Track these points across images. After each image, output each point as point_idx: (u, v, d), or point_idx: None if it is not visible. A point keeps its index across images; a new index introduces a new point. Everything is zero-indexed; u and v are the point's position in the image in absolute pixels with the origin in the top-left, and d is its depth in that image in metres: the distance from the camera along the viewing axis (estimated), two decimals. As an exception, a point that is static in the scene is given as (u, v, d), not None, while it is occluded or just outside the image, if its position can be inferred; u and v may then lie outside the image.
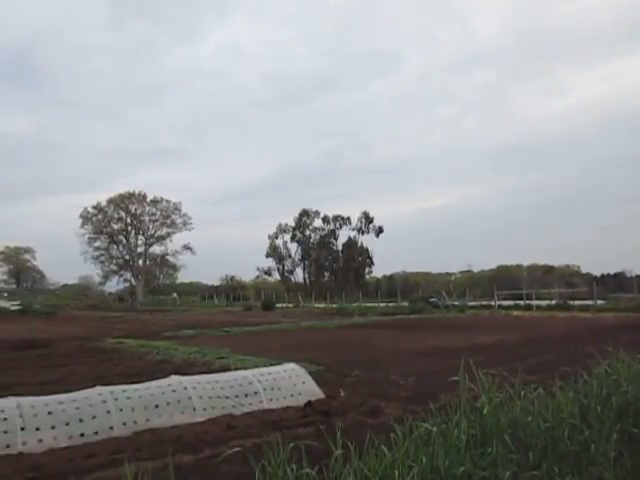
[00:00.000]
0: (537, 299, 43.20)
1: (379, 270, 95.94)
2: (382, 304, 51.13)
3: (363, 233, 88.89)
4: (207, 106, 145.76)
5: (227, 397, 6.82)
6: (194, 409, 6.41)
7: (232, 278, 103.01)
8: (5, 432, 5.24)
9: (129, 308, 64.77)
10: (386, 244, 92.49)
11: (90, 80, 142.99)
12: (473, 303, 45.27)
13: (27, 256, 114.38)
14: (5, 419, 5.33)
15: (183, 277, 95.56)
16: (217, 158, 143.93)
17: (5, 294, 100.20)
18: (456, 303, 44.95)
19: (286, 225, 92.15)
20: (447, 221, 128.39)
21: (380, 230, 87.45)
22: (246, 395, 7.00)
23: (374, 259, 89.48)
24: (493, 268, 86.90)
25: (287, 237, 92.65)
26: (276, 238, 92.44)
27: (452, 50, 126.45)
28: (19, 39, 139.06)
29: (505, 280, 66.77)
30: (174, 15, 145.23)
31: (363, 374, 10.39)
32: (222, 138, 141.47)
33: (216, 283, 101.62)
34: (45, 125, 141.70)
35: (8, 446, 5.19)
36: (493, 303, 42.45)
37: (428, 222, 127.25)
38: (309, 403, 7.35)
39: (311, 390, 7.77)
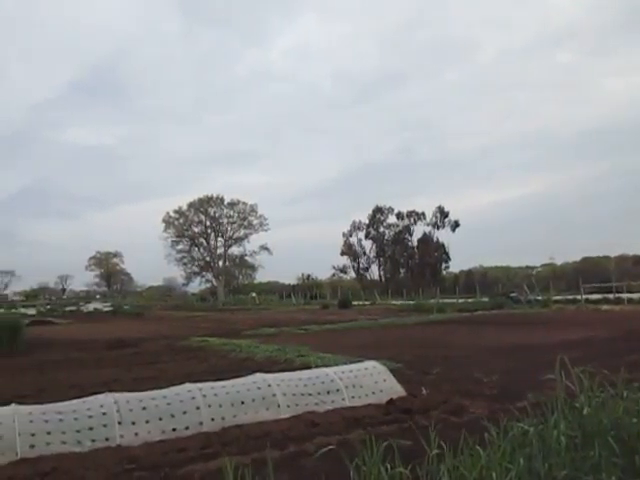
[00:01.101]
0: (628, 292, 40.56)
1: (456, 265, 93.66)
2: (460, 300, 49.83)
3: (438, 228, 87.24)
4: (279, 108, 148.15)
5: (310, 394, 6.90)
6: (278, 406, 6.54)
7: (308, 277, 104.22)
8: (105, 426, 5.57)
9: (211, 308, 67.03)
10: (462, 238, 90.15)
11: (167, 90, 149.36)
12: (557, 297, 42.98)
13: (116, 260, 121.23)
14: (104, 414, 5.67)
15: (261, 277, 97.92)
16: (291, 159, 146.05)
17: (98, 296, 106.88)
18: (539, 298, 42.87)
19: (360, 222, 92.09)
20: (526, 212, 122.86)
21: (456, 224, 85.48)
22: (328, 392, 7.05)
23: (450, 254, 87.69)
24: (577, 260, 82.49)
25: (361, 234, 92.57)
26: (350, 236, 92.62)
27: (528, 32, 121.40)
28: (101, 56, 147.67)
29: (591, 272, 63.05)
30: (244, 20, 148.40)
31: (444, 372, 10.20)
32: (295, 139, 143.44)
33: (293, 282, 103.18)
34: (128, 135, 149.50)
35: (107, 439, 5.51)
36: (579, 297, 40.17)
37: (506, 214, 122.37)
38: (391, 401, 7.29)
39: (392, 388, 7.71)
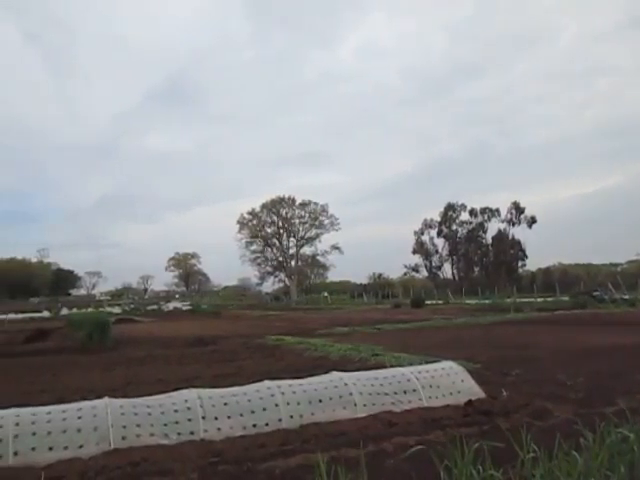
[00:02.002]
0: None
1: (533, 263, 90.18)
2: (539, 299, 47.92)
3: (514, 224, 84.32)
4: (349, 107, 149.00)
5: (386, 394, 6.87)
6: (355, 405, 6.56)
7: (379, 276, 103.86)
8: (189, 420, 5.81)
9: (284, 307, 68.18)
10: (540, 235, 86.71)
11: (239, 94, 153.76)
12: (647, 295, 40.46)
13: (193, 261, 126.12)
14: (189, 408, 5.91)
15: (332, 276, 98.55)
16: (360, 158, 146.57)
17: (177, 295, 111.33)
18: (626, 296, 40.52)
19: (431, 220, 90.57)
20: (609, 206, 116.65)
21: (532, 220, 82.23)
22: (405, 392, 7.00)
23: (527, 251, 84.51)
24: (667, 256, 77.25)
25: (433, 232, 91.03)
26: (422, 234, 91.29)
27: (607, 15, 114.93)
28: (177, 64, 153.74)
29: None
30: (313, 22, 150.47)
31: (524, 373, 9.84)
32: (364, 137, 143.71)
33: (364, 281, 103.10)
34: (203, 140, 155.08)
35: (192, 433, 5.74)
36: (671, 295, 37.65)
37: (587, 208, 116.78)
38: (470, 402, 7.13)
39: (471, 389, 7.54)
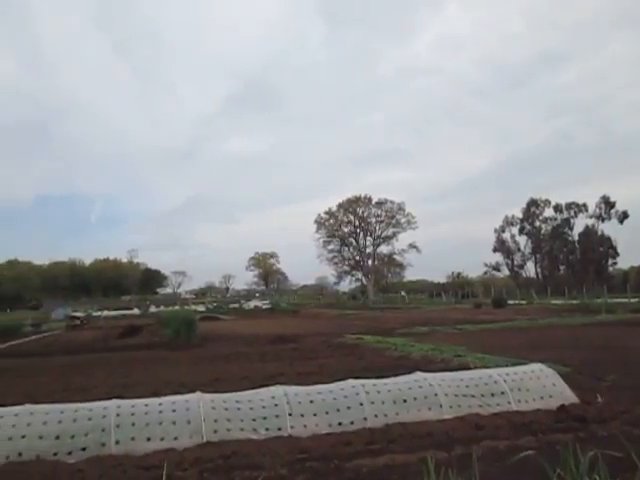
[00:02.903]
0: None
1: (625, 261, 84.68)
2: (633, 299, 44.92)
3: (603, 220, 79.34)
4: (424, 103, 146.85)
5: (472, 396, 6.71)
6: (440, 406, 6.45)
7: (458, 275, 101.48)
8: (277, 416, 5.94)
9: (362, 306, 68.07)
10: (632, 231, 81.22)
11: (315, 95, 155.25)
12: None
13: (272, 260, 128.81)
14: (276, 405, 6.04)
15: (410, 275, 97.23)
16: (437, 154, 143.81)
17: (257, 294, 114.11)
18: None
19: (513, 217, 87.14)
20: None
21: (624, 215, 77.02)
22: (492, 395, 6.80)
23: (618, 249, 79.31)
24: None
25: (515, 230, 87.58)
26: (503, 232, 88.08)
27: None
28: (253, 68, 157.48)
29: None
30: (387, 18, 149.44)
31: (621, 378, 9.25)
32: (441, 133, 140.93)
33: (442, 280, 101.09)
34: (280, 142, 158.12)
35: (280, 429, 5.86)
36: None
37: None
38: (562, 407, 6.81)
39: (562, 393, 7.20)
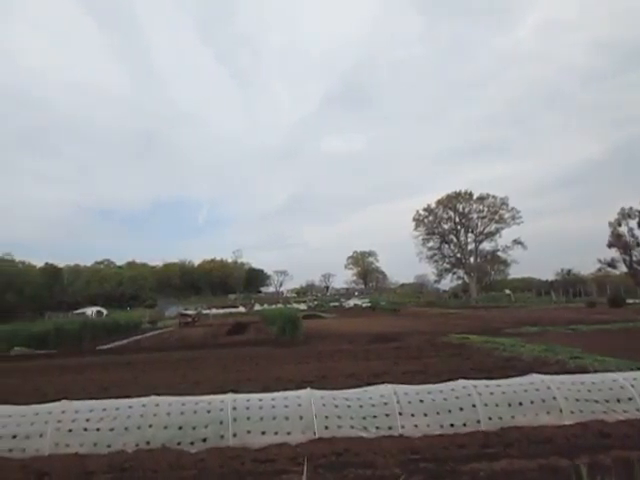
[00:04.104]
0: None
1: None
2: None
3: None
4: (527, 91, 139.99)
5: (596, 401, 6.26)
6: (560, 410, 6.08)
7: (569, 272, 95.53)
8: (387, 415, 5.90)
9: (464, 305, 66.24)
10: None
11: (411, 90, 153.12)
12: None
13: (371, 259, 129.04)
14: (386, 403, 6.00)
15: (515, 273, 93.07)
16: (543, 144, 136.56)
17: (356, 293, 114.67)
18: None
19: (631, 209, 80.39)
20: None
21: None
22: (618, 400, 6.30)
23: None
24: None
25: (633, 223, 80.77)
26: (619, 225, 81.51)
27: None
28: (349, 66, 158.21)
29: None
30: (484, 6, 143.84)
31: None
32: (547, 122, 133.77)
33: (550, 278, 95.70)
34: (376, 139, 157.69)
35: (390, 428, 5.82)
36: None
37: None
38: (703, 417, 6.19)
39: (701, 401, 6.54)
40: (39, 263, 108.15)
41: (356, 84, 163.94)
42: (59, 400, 6.44)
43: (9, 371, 15.28)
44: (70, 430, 5.81)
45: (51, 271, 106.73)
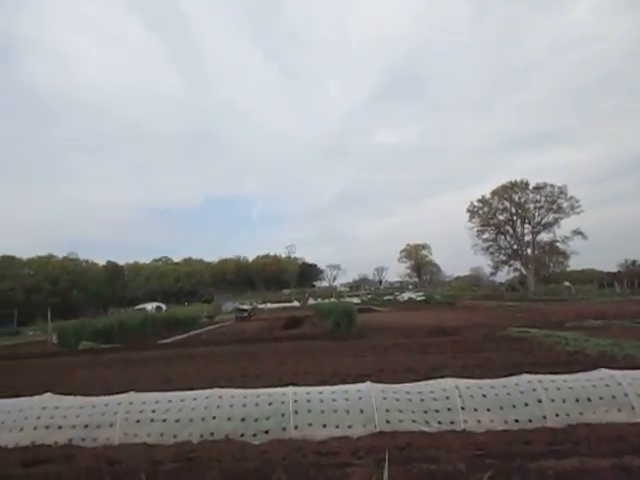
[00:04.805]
0: None
1: None
2: None
3: None
4: (587, 74, 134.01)
5: (672, 398, 5.96)
6: (632, 408, 5.81)
7: (633, 263, 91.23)
8: (449, 409, 5.82)
9: (521, 297, 64.33)
10: None
11: (461, 79, 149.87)
12: None
13: (424, 252, 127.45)
14: (447, 397, 5.92)
15: (574, 264, 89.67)
16: (604, 129, 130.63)
17: (410, 286, 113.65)
18: None
19: (703, 196, 76.11)
20: None
21: None
22: (695, 397, 5.99)
23: None
24: None
25: None
26: (689, 213, 77.30)
27: None
28: (398, 58, 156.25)
29: None
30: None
31: None
32: (608, 105, 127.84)
33: (613, 269, 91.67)
34: (427, 130, 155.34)
35: (452, 422, 5.73)
36: None
37: None
38: None
39: None
40: (101, 261, 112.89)
41: (406, 75, 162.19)
42: (126, 392, 6.69)
43: (78, 364, 16.00)
44: (138, 421, 6.04)
45: (113, 269, 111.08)
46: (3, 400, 6.99)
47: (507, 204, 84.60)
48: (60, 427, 6.17)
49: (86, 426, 6.13)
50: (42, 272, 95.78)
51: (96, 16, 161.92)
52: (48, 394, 6.93)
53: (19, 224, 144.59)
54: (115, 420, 6.07)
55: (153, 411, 6.11)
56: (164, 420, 5.97)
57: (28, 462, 5.53)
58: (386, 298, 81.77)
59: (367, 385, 6.21)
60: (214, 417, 5.87)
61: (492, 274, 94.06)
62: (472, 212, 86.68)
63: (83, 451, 5.79)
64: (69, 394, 7.21)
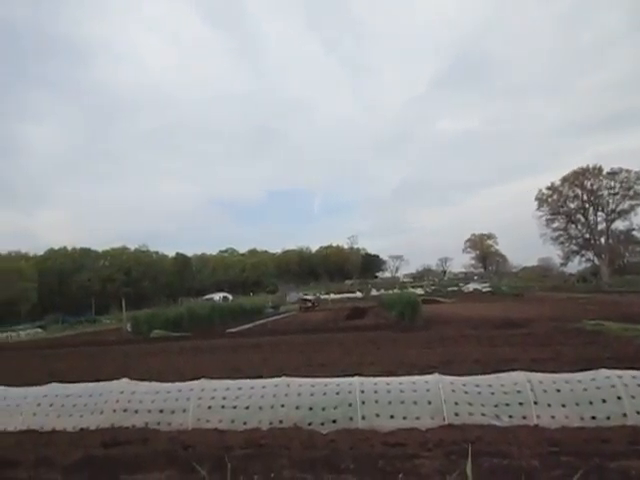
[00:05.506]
0: None
1: None
2: None
3: None
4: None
5: None
6: None
7: None
8: (520, 404, 5.64)
9: (594, 289, 61.50)
10: None
11: (528, 62, 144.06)
12: None
13: (490, 242, 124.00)
14: (519, 391, 5.74)
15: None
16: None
17: (475, 277, 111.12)
18: None
19: None
20: None
21: None
22: None
23: None
24: None
25: None
26: None
27: None
28: (459, 43, 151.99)
29: None
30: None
31: None
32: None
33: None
34: (492, 116, 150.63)
35: (524, 417, 5.56)
36: None
37: None
38: None
39: None
40: (170, 253, 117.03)
41: (470, 58, 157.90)
42: (198, 379, 6.93)
43: (152, 351, 16.71)
44: (210, 407, 6.24)
45: (181, 260, 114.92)
46: (86, 384, 7.42)
47: (578, 191, 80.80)
48: (137, 411, 6.48)
49: (161, 411, 6.40)
50: (116, 263, 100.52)
51: (161, 15, 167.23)
52: (125, 380, 7.28)
53: (94, 218, 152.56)
54: (188, 406, 6.30)
55: (224, 398, 6.30)
56: (234, 407, 6.14)
57: (108, 443, 5.84)
58: (450, 289, 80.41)
59: (435, 377, 6.13)
60: (282, 405, 5.98)
61: (562, 265, 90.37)
62: (541, 200, 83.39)
63: (158, 434, 6.04)
64: (144, 380, 7.56)
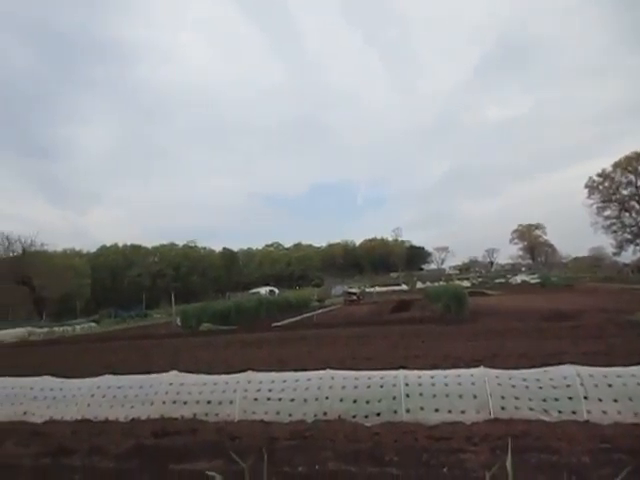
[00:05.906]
0: None
1: None
2: None
3: None
4: None
5: None
6: None
7: None
8: (570, 398, 5.51)
9: (651, 280, 59.10)
10: None
11: (576, 42, 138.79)
12: None
13: (538, 232, 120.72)
14: (568, 386, 5.61)
15: None
16: None
17: (523, 269, 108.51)
18: None
19: None
20: None
21: None
22: None
23: None
24: None
25: None
26: None
27: None
28: (503, 29, 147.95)
29: None
30: None
31: None
32: None
33: None
34: (540, 102, 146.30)
35: (574, 412, 5.42)
36: None
37: None
38: None
39: None
40: (217, 248, 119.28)
41: (513, 43, 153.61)
42: (244, 371, 7.07)
43: (200, 344, 17.12)
44: (255, 399, 6.36)
45: (228, 255, 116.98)
46: (137, 376, 7.69)
47: (632, 177, 77.42)
48: (185, 402, 6.67)
49: (208, 402, 6.57)
50: (165, 259, 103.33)
51: (204, 16, 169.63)
52: (174, 372, 7.51)
53: (144, 215, 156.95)
54: (235, 398, 6.44)
55: (269, 390, 6.41)
56: (280, 399, 6.24)
57: (157, 433, 6.03)
58: (498, 281, 78.85)
59: (481, 370, 6.06)
60: (327, 397, 6.04)
61: (615, 254, 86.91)
62: (591, 187, 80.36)
63: (206, 425, 6.21)
64: (192, 372, 7.77)
